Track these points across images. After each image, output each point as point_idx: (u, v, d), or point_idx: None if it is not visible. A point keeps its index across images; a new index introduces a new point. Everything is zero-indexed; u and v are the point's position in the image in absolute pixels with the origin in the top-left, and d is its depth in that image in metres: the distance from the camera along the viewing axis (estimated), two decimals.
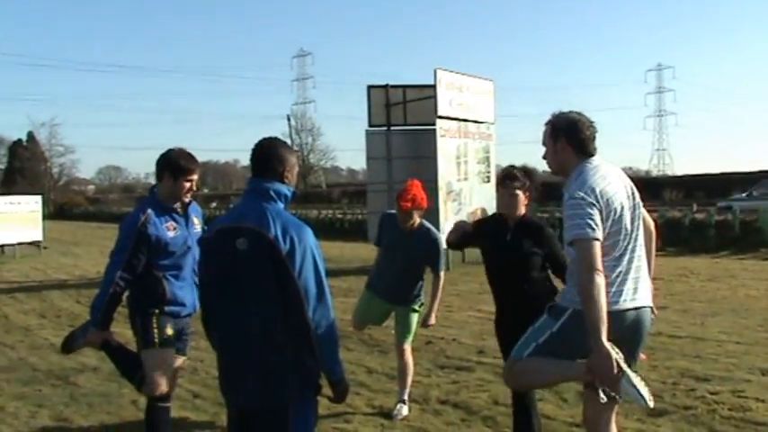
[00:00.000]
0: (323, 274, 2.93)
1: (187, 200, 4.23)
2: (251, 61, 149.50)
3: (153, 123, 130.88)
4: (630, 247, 3.31)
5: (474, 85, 15.68)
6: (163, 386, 4.19)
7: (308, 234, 2.91)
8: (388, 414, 5.36)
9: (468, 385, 6.08)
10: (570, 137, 3.37)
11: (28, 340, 8.51)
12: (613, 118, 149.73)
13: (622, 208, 3.29)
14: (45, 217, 23.70)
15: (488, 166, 16.05)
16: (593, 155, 3.38)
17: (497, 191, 4.57)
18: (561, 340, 3.26)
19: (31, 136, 65.59)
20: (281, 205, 2.95)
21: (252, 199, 2.94)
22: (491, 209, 15.50)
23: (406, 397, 5.45)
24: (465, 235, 4.59)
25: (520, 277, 4.21)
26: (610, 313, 3.12)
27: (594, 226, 3.14)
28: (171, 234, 4.11)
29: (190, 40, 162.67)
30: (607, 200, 3.22)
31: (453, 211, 14.64)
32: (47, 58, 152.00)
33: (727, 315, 9.18)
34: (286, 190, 2.98)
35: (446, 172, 14.58)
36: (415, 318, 5.42)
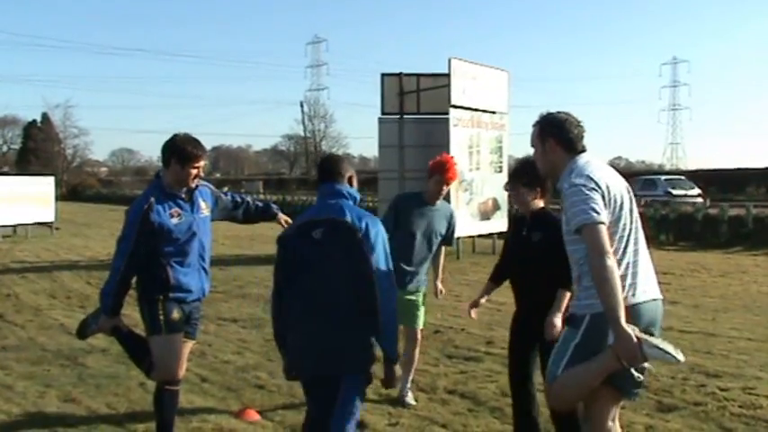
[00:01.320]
0: (390, 260, 3.35)
1: (194, 185, 4.20)
2: (265, 47, 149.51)
3: (166, 107, 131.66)
4: (633, 238, 3.29)
5: (488, 74, 15.58)
6: (171, 372, 4.19)
7: (379, 223, 3.37)
8: (394, 402, 5.35)
9: (476, 375, 6.06)
10: (559, 137, 3.36)
11: (38, 320, 8.55)
12: (628, 111, 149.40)
13: (622, 197, 3.27)
14: (58, 198, 23.79)
15: (501, 156, 15.96)
16: (583, 152, 3.36)
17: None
18: (588, 349, 3.20)
19: (45, 117, 65.82)
20: (352, 203, 3.39)
21: (328, 198, 3.40)
22: (503, 199, 15.45)
23: (409, 383, 5.45)
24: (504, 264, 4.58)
25: (536, 272, 4.16)
26: (628, 308, 3.09)
27: (599, 210, 3.11)
28: (174, 221, 4.09)
29: (205, 25, 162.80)
30: (607, 186, 3.20)
31: (465, 201, 14.60)
32: (63, 40, 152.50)
33: (739, 311, 9.12)
34: (355, 192, 3.46)
35: (458, 161, 14.46)
36: (423, 302, 5.43)
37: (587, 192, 3.15)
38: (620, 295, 3.04)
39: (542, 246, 4.13)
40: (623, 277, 3.17)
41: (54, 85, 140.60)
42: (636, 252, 3.29)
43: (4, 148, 72.68)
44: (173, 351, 4.17)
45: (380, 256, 3.28)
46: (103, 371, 6.21)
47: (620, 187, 3.30)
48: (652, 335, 3.25)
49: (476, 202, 14.96)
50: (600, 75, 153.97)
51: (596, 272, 3.09)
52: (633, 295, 3.21)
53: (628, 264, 3.24)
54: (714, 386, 5.63)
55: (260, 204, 4.82)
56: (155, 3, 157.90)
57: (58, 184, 26.58)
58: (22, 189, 20.48)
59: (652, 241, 17.54)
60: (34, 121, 67.74)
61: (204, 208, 4.29)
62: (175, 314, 4.13)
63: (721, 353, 6.76)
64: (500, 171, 15.70)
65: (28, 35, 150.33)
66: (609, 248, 3.09)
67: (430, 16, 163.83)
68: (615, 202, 3.23)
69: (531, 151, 3.94)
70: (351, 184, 3.45)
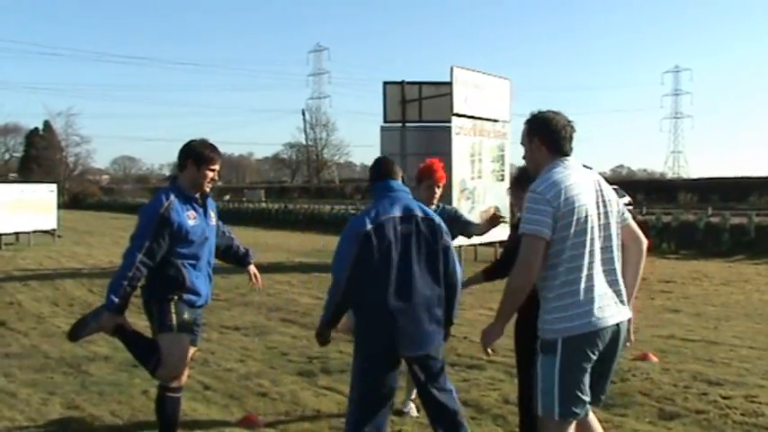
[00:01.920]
0: None
1: (208, 189, 4.25)
2: (267, 56, 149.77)
3: (168, 115, 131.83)
4: (599, 257, 3.19)
5: (490, 83, 15.62)
6: (178, 369, 4.20)
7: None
8: (398, 411, 5.35)
9: (479, 383, 6.06)
10: (543, 136, 3.32)
11: (41, 328, 8.56)
12: (630, 119, 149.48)
13: (587, 213, 3.17)
14: (59, 206, 23.82)
15: (503, 164, 15.99)
16: (567, 155, 3.31)
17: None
18: (573, 367, 3.17)
19: (47, 125, 66.04)
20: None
21: (399, 192, 3.94)
22: (505, 207, 15.46)
23: (414, 395, 5.43)
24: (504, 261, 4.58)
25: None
26: (594, 332, 3.12)
27: (544, 224, 3.11)
28: (191, 222, 4.13)
29: (207, 34, 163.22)
30: (568, 199, 3.13)
31: (466, 210, 14.59)
32: (65, 48, 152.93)
33: (741, 319, 9.12)
34: (409, 189, 4.08)
35: (460, 170, 14.54)
36: None
37: (542, 203, 3.14)
38: (516, 307, 3.26)
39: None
40: (581, 302, 3.12)
41: (56, 93, 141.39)
42: (606, 272, 3.21)
43: (7, 156, 72.80)
44: (182, 348, 4.18)
45: (451, 245, 3.90)
46: (106, 378, 6.22)
47: (588, 201, 3.19)
48: (611, 358, 3.28)
49: (477, 211, 14.98)
50: (602, 84, 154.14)
51: (512, 278, 3.19)
52: (600, 319, 3.14)
53: (590, 284, 3.15)
54: (716, 394, 5.63)
55: (242, 249, 4.72)
56: (156, 12, 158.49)
57: (59, 192, 26.61)
58: (25, 197, 20.51)
59: (653, 250, 17.68)
60: (36, 128, 67.98)
61: (213, 217, 4.36)
62: (186, 315, 4.15)
63: (723, 361, 6.76)
64: (502, 179, 15.72)
65: (30, 43, 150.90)
66: (535, 266, 3.12)
67: (432, 24, 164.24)
68: (574, 215, 3.13)
69: None
70: (404, 182, 4.04)
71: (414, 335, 3.75)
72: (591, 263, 3.17)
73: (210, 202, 4.39)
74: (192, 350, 4.38)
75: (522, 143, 3.46)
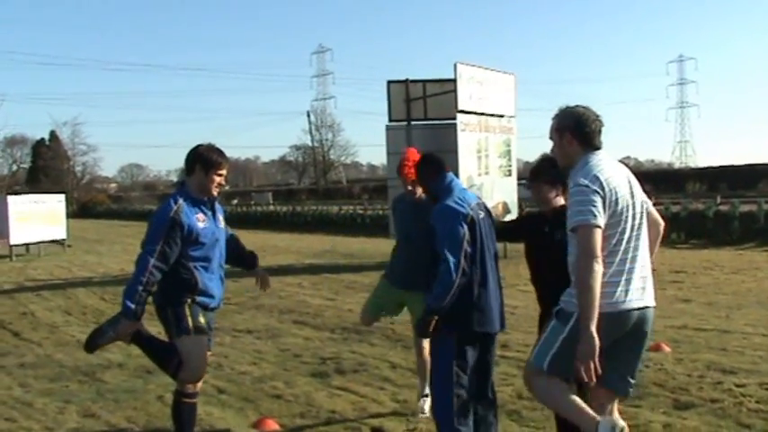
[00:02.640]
0: None
1: (216, 193, 4.27)
2: (270, 58, 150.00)
3: (174, 121, 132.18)
4: (633, 244, 3.35)
5: (495, 79, 15.61)
6: (200, 371, 4.22)
7: None
8: (413, 409, 5.36)
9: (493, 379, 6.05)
10: (576, 131, 3.43)
11: (54, 337, 8.61)
12: (635, 110, 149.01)
13: (626, 202, 3.32)
14: (68, 215, 23.94)
15: (509, 159, 15.98)
16: (598, 148, 3.43)
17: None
18: (574, 344, 3.26)
19: (53, 135, 66.20)
20: None
21: (461, 185, 4.17)
22: (513, 203, 15.45)
23: (428, 391, 5.45)
24: (508, 227, 4.60)
25: (560, 270, 4.17)
26: (617, 312, 3.23)
27: (597, 213, 3.19)
28: (201, 225, 4.15)
29: (210, 39, 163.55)
30: (611, 189, 3.27)
31: None
32: (68, 57, 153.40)
33: (753, 307, 9.08)
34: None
35: (467, 166, 14.53)
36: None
37: (590, 194, 3.23)
38: (597, 302, 3.15)
39: (565, 243, 4.14)
40: (617, 282, 3.26)
41: (61, 102, 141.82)
42: (635, 258, 3.35)
43: (14, 168, 73.13)
44: (202, 350, 4.20)
45: None
46: (121, 385, 6.25)
47: (625, 191, 3.34)
48: (640, 340, 3.41)
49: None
50: (607, 75, 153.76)
51: (581, 274, 3.18)
52: (624, 301, 3.28)
53: (624, 268, 3.30)
54: (730, 383, 5.62)
55: (248, 252, 4.72)
56: (159, 19, 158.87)
57: (68, 202, 26.72)
58: (34, 207, 20.62)
59: (664, 240, 17.61)
60: (43, 139, 68.19)
61: (221, 220, 4.38)
62: (201, 318, 4.17)
63: (736, 349, 6.74)
64: (509, 175, 15.71)
65: (33, 53, 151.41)
66: (599, 253, 3.16)
67: (435, 21, 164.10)
68: (618, 205, 3.28)
69: (539, 153, 4.04)
70: None
71: (499, 312, 4.06)
72: (625, 250, 3.32)
73: (219, 207, 4.41)
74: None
75: (550, 138, 3.55)
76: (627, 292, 3.31)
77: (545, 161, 4.33)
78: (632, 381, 3.52)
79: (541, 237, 4.27)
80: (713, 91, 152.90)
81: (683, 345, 6.98)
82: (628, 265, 3.33)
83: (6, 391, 6.24)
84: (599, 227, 3.19)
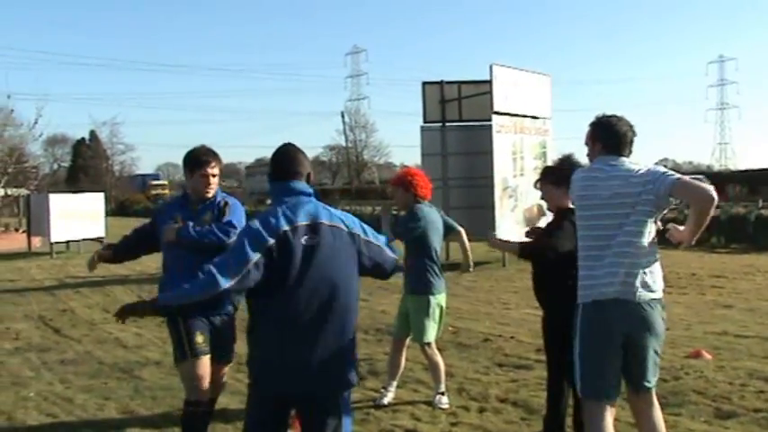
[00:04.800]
0: None
1: (210, 194, 4.24)
2: (305, 59, 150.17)
3: (209, 121, 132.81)
4: (612, 242, 3.52)
5: (530, 80, 15.50)
6: (201, 391, 4.19)
7: None
8: (448, 411, 5.35)
9: (528, 384, 6.02)
10: (606, 141, 3.67)
11: (93, 334, 8.74)
12: (674, 111, 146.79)
13: (610, 198, 3.52)
14: (107, 213, 24.29)
15: (545, 161, 15.78)
16: (623, 155, 3.65)
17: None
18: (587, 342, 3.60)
19: (93, 135, 67.26)
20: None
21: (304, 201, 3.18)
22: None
23: (443, 389, 5.49)
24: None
25: (564, 269, 4.17)
26: (603, 301, 3.51)
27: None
28: (165, 227, 4.19)
29: (246, 39, 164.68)
30: (584, 186, 3.62)
31: (509, 208, 14.51)
32: (108, 58, 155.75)
33: None
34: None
35: (502, 168, 14.44)
36: (421, 313, 5.42)
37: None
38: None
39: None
40: (599, 274, 3.55)
41: (100, 102, 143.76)
42: (619, 254, 3.52)
43: (55, 166, 74.47)
44: (196, 375, 4.26)
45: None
46: (158, 383, 6.32)
47: (609, 191, 3.53)
48: (642, 330, 3.58)
49: (520, 209, 14.86)
50: (645, 76, 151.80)
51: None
52: (602, 292, 3.54)
53: (606, 262, 3.53)
54: None
55: None
56: (197, 20, 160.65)
57: (106, 200, 27.12)
58: (74, 206, 20.95)
59: (704, 244, 17.32)
60: (83, 138, 69.31)
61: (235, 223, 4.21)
62: (199, 337, 4.21)
63: None
64: None
65: (73, 54, 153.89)
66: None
67: (470, 22, 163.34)
68: (594, 199, 3.55)
69: (578, 156, 4.16)
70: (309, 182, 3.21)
71: (311, 369, 3.13)
72: (603, 245, 3.57)
73: (236, 208, 4.28)
74: (224, 369, 4.39)
75: (585, 143, 3.80)
76: (606, 284, 3.53)
77: (558, 161, 4.48)
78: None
79: (546, 236, 4.32)
80: (754, 92, 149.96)
81: (723, 351, 6.85)
82: (609, 258, 3.52)
83: (48, 386, 6.36)
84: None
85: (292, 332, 2.98)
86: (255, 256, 2.91)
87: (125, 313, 3.07)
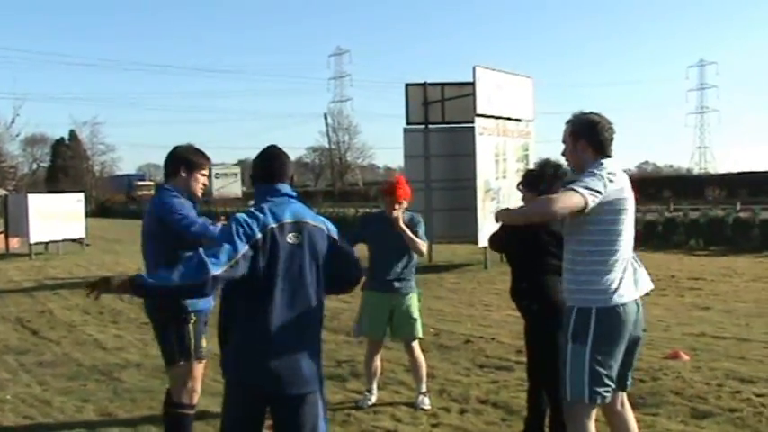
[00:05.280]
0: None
1: (200, 195, 4.24)
2: (288, 60, 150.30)
3: (191, 122, 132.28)
4: (627, 245, 3.50)
5: (513, 82, 15.57)
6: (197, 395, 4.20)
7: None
8: (429, 412, 5.36)
9: (508, 385, 6.04)
10: (591, 138, 3.57)
11: (72, 336, 8.67)
12: (655, 115, 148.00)
13: (625, 205, 3.47)
14: (87, 214, 24.11)
15: (527, 164, 15.87)
16: (610, 156, 3.57)
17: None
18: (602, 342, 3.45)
19: (73, 134, 66.79)
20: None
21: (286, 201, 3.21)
22: None
23: (424, 389, 5.53)
24: (502, 237, 4.62)
25: (543, 273, 4.20)
26: (614, 306, 3.43)
27: (592, 193, 3.30)
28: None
29: (229, 40, 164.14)
30: (614, 190, 3.41)
31: (492, 210, 14.55)
32: (88, 57, 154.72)
33: None
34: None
35: (484, 170, 14.50)
36: (414, 310, 5.49)
37: (596, 179, 3.37)
38: (519, 218, 3.74)
39: (552, 251, 4.20)
40: (615, 279, 3.45)
41: (81, 102, 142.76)
42: (626, 258, 3.50)
43: (34, 167, 73.78)
44: (195, 377, 4.28)
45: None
46: (138, 385, 6.28)
47: (628, 195, 3.49)
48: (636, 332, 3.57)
49: None
50: (626, 79, 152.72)
51: (534, 205, 3.55)
52: (622, 296, 3.47)
53: (620, 267, 3.47)
54: (749, 392, 5.56)
55: None
56: (178, 21, 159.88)
57: (87, 201, 26.92)
58: (53, 206, 20.77)
59: (682, 246, 17.45)
60: (62, 138, 68.76)
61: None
62: (203, 341, 4.22)
63: (756, 358, 6.67)
64: None
65: (53, 53, 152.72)
66: (560, 210, 3.28)
67: (453, 24, 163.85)
68: (617, 206, 3.44)
69: (555, 158, 4.16)
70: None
71: (282, 367, 3.16)
72: (617, 250, 3.48)
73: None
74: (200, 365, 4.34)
75: (563, 141, 3.67)
76: (623, 287, 3.47)
77: (546, 165, 4.52)
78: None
79: (527, 242, 4.35)
80: (734, 96, 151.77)
81: (701, 353, 6.92)
82: (623, 264, 3.48)
83: (25, 388, 6.30)
84: (584, 198, 3.29)
85: (268, 331, 2.98)
86: (245, 248, 2.90)
87: (98, 287, 2.96)
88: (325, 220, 3.23)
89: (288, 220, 3.04)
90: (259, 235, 2.95)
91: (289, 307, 3.01)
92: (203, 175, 4.20)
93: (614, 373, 3.51)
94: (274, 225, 3.00)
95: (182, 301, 4.00)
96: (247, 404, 3.08)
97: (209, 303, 4.18)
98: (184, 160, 4.17)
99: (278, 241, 2.98)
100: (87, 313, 10.37)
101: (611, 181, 3.39)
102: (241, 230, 2.93)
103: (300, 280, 3.04)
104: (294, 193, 3.18)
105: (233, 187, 54.96)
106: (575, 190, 3.30)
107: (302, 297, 3.04)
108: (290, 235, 3.02)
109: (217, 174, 53.06)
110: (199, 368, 4.19)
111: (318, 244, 3.11)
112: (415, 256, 5.50)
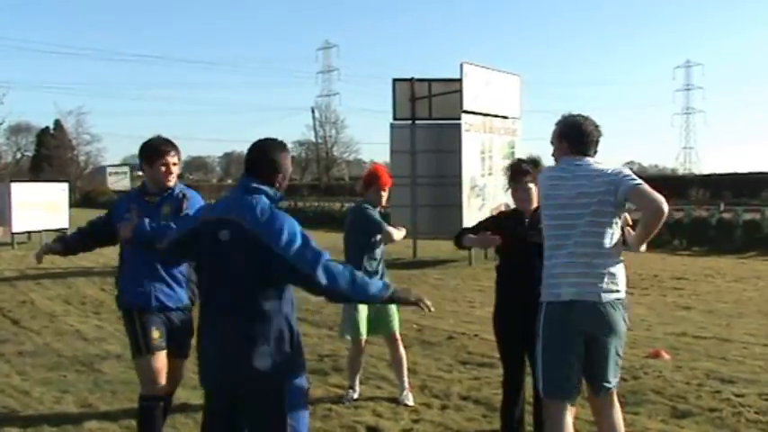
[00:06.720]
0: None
1: (171, 183, 4.18)
2: (276, 53, 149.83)
3: (178, 113, 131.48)
4: (574, 240, 3.55)
5: (500, 79, 15.59)
6: (156, 387, 4.14)
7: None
8: (410, 408, 5.36)
9: (490, 381, 6.05)
10: (572, 140, 3.69)
11: (53, 326, 8.60)
12: (641, 115, 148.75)
13: (570, 200, 3.56)
14: (71, 204, 23.91)
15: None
16: (589, 156, 3.68)
17: (510, 187, 4.59)
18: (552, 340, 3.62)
19: (58, 124, 66.15)
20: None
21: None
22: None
23: (407, 384, 5.57)
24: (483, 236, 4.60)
25: (535, 269, 4.20)
26: (561, 303, 3.54)
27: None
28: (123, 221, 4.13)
29: (216, 32, 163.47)
30: (547, 186, 3.67)
31: (477, 207, 14.59)
32: (74, 47, 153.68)
33: (754, 316, 9.06)
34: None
35: (470, 167, 14.53)
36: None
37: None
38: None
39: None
40: (550, 275, 3.62)
41: (66, 91, 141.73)
42: (572, 254, 3.56)
43: (18, 156, 73.10)
44: (152, 370, 4.22)
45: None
46: (119, 377, 6.24)
47: (575, 191, 3.56)
48: (600, 332, 3.61)
49: (488, 208, 14.95)
50: (612, 79, 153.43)
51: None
52: (557, 294, 3.58)
53: (557, 263, 3.60)
54: (729, 392, 5.60)
55: None
56: (166, 11, 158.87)
57: (71, 191, 26.70)
58: (36, 196, 20.59)
59: (666, 246, 17.55)
60: (47, 128, 68.12)
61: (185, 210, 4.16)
62: (155, 332, 4.18)
63: (736, 358, 6.71)
64: None
65: (40, 42, 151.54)
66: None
67: (442, 21, 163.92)
68: (558, 198, 3.59)
69: (543, 156, 4.23)
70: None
71: (225, 364, 3.20)
72: (558, 245, 3.63)
73: (195, 201, 4.18)
74: (180, 364, 4.33)
75: (551, 142, 3.81)
76: (557, 285, 3.59)
77: (524, 161, 4.59)
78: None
79: (516, 234, 4.38)
80: (720, 97, 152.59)
81: (682, 352, 6.96)
82: (561, 259, 3.58)
83: (4, 378, 6.25)
84: None
85: (211, 331, 3.04)
86: (178, 235, 3.24)
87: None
88: (279, 219, 2.99)
89: (222, 216, 3.03)
90: (193, 225, 3.18)
91: (227, 306, 2.99)
92: (164, 164, 4.13)
93: (571, 370, 3.57)
94: (203, 221, 3.13)
95: (122, 299, 4.22)
96: (213, 399, 3.11)
97: (152, 302, 4.12)
98: (145, 152, 4.19)
99: (209, 235, 3.02)
100: (69, 303, 10.31)
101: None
102: (182, 220, 3.29)
103: (234, 276, 2.96)
104: (254, 186, 3.06)
105: (124, 182, 67.59)
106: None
107: (239, 294, 2.96)
108: (223, 232, 2.97)
109: (110, 172, 70.91)
110: (157, 360, 4.10)
111: (249, 241, 2.93)
112: (378, 249, 5.58)
